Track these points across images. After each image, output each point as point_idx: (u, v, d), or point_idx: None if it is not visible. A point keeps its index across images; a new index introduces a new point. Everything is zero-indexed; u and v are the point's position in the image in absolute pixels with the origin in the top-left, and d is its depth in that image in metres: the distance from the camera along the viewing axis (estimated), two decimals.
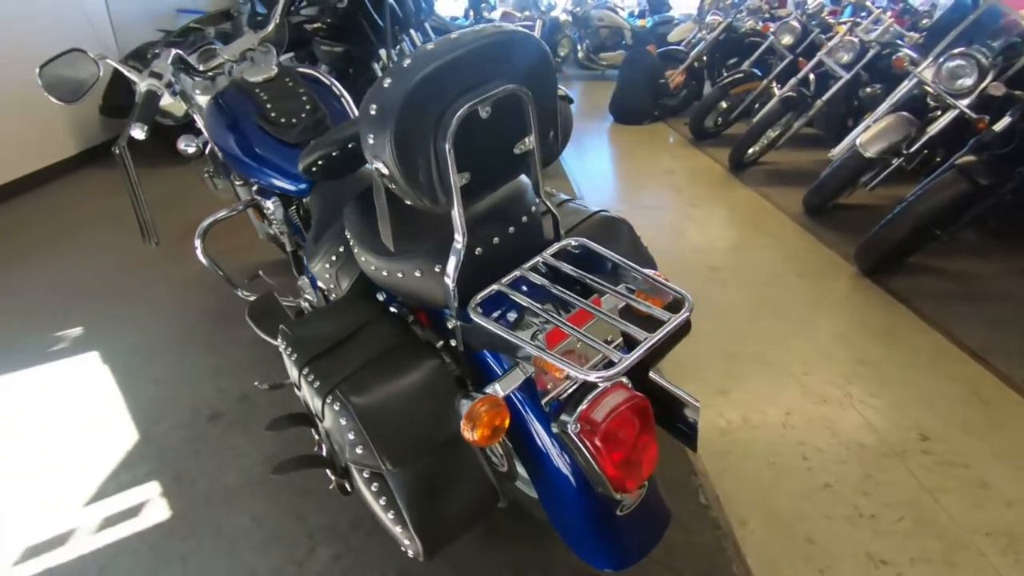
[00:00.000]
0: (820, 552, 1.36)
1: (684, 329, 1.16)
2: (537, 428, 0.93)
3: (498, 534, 1.38)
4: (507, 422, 0.79)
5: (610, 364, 0.93)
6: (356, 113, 1.62)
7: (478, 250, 0.88)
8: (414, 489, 0.88)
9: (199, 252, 1.75)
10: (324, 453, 1.14)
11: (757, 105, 4.19)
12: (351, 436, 0.86)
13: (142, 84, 1.35)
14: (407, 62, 0.67)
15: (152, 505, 1.47)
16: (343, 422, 0.86)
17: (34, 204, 3.34)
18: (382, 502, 0.90)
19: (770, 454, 1.63)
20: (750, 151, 3.90)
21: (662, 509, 1.06)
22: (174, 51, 1.42)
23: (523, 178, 0.99)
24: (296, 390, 1.01)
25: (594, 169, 4.09)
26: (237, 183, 1.90)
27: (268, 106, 1.45)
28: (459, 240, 0.80)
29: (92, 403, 1.81)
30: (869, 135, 2.78)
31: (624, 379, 0.92)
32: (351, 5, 3.83)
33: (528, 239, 0.94)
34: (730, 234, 3.00)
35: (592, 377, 0.72)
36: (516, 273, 0.89)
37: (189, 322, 2.20)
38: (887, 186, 3.06)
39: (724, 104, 4.44)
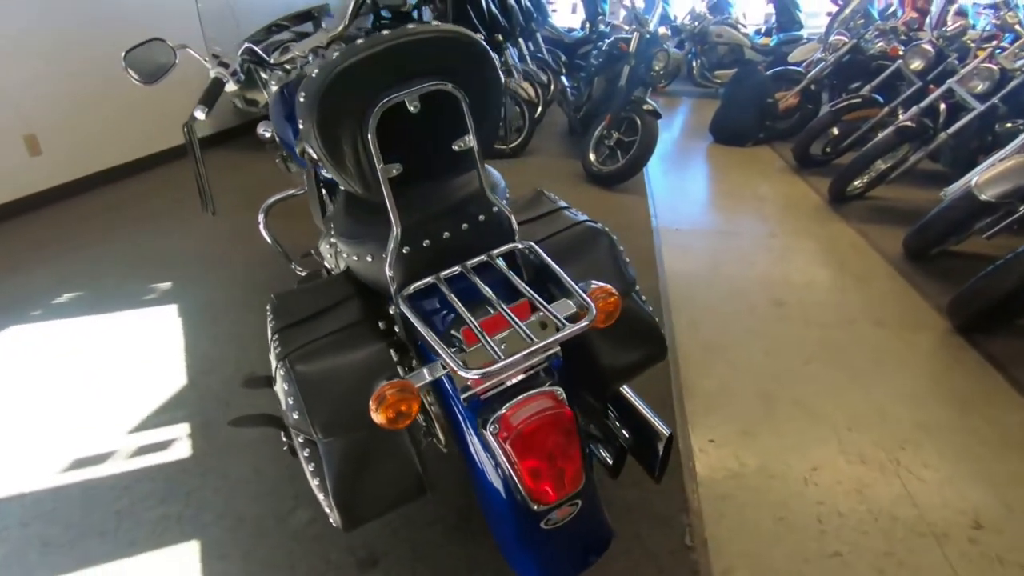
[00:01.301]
0: None
1: (655, 356, 1.10)
2: (469, 428, 0.94)
3: (467, 529, 1.39)
4: (415, 408, 0.81)
5: (535, 375, 0.91)
6: None
7: (426, 242, 0.91)
8: (340, 462, 0.92)
9: (261, 227, 1.94)
10: None
11: (880, 134, 3.80)
12: (291, 401, 0.92)
13: (211, 71, 1.54)
14: (334, 55, 0.72)
15: (179, 443, 1.65)
16: (286, 387, 0.93)
17: (165, 175, 3.86)
18: (311, 468, 0.95)
19: (780, 508, 1.49)
20: (855, 183, 3.55)
21: (601, 530, 1.02)
22: (246, 44, 1.60)
23: (490, 176, 1.00)
24: (269, 354, 1.10)
25: (677, 188, 3.94)
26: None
27: None
28: (394, 229, 0.83)
29: (159, 347, 2.07)
30: (989, 175, 2.42)
31: (557, 390, 0.90)
32: (455, 11, 4.01)
33: (484, 238, 0.95)
34: (808, 269, 2.76)
35: (469, 375, 0.72)
36: (457, 268, 0.90)
37: (254, 290, 2.43)
38: (1015, 236, 2.65)
39: (835, 131, 4.08)
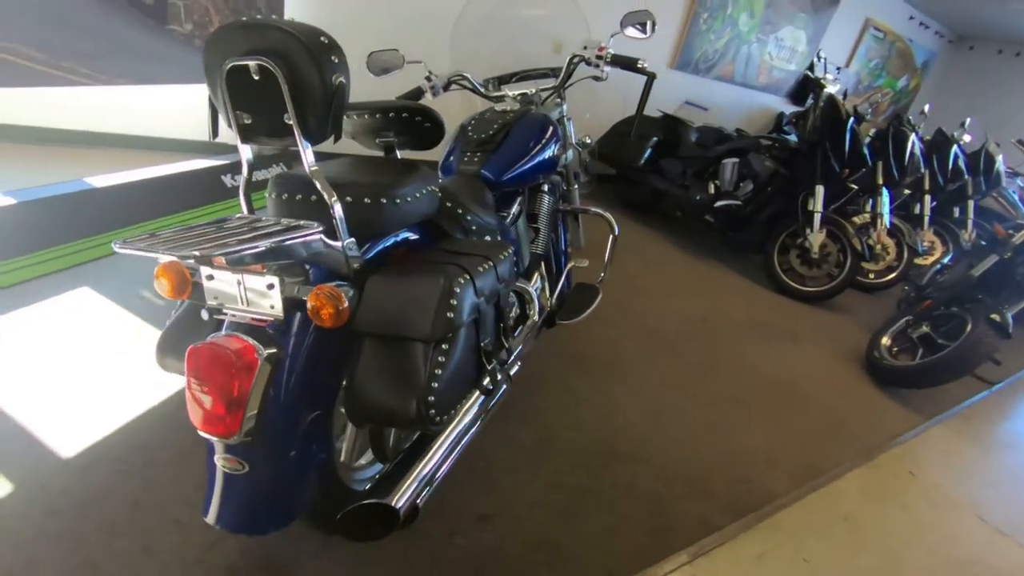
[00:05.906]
0: None
1: (399, 416, 1.08)
2: None
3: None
4: (168, 282, 1.02)
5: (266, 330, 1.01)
6: (540, 160, 1.86)
7: (298, 196, 1.10)
8: (177, 315, 1.21)
9: None
10: None
11: None
12: None
13: (423, 83, 1.99)
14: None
15: None
16: None
17: None
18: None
19: None
20: None
21: (278, 507, 1.06)
22: (459, 72, 2.00)
23: (412, 178, 1.16)
24: None
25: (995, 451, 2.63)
26: None
27: (474, 122, 1.86)
28: (243, 163, 1.08)
29: None
30: None
31: (257, 346, 0.97)
32: (819, 138, 3.66)
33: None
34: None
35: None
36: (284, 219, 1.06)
37: None
38: None
39: None
